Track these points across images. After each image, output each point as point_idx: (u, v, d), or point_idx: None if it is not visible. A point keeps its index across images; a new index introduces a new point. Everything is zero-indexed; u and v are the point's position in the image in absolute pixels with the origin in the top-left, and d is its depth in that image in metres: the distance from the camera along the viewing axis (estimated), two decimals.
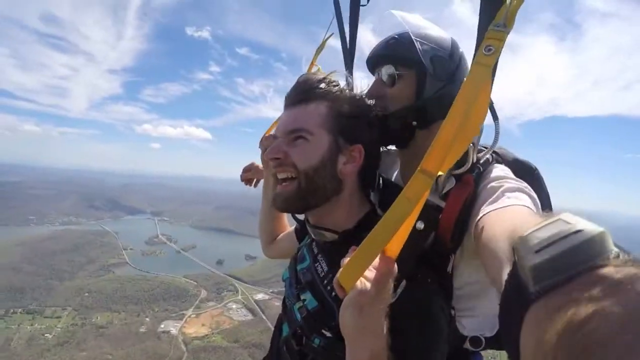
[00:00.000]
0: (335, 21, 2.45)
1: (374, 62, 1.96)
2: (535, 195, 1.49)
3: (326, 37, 2.67)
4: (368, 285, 1.15)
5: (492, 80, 1.22)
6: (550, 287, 0.54)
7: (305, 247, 2.00)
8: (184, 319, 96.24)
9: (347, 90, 1.78)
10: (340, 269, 1.17)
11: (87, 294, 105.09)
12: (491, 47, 1.10)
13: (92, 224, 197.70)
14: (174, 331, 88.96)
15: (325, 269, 1.75)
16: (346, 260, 1.20)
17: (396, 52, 1.88)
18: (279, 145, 1.71)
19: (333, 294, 1.57)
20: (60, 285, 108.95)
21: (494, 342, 1.87)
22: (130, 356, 77.77)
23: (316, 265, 1.81)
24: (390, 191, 1.85)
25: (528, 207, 1.33)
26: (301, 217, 2.15)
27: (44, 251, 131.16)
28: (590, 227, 0.57)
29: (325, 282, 1.70)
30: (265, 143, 2.34)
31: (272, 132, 2.37)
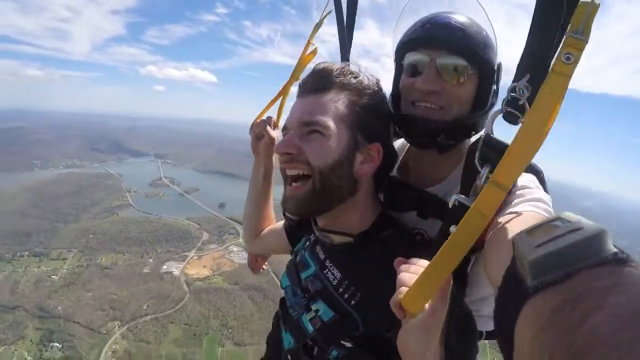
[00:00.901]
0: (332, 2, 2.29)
1: (435, 42, 1.66)
2: (550, 205, 1.40)
3: (324, 15, 2.43)
4: (438, 305, 1.09)
5: None
6: (549, 283, 0.54)
7: (306, 252, 1.91)
8: (186, 261, 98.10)
9: (368, 83, 1.67)
10: (405, 291, 1.10)
11: (91, 236, 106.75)
12: (570, 56, 1.02)
13: (95, 167, 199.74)
14: (176, 272, 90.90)
15: (338, 275, 1.66)
16: (404, 277, 1.15)
17: (476, 46, 1.63)
18: (291, 139, 1.59)
19: (352, 302, 1.56)
20: (65, 227, 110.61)
21: (492, 335, 1.82)
22: (134, 296, 79.72)
23: (325, 272, 1.72)
24: (396, 188, 1.81)
25: (540, 213, 1.28)
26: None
27: (49, 195, 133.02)
28: (590, 226, 0.57)
29: (341, 290, 1.62)
30: (257, 130, 2.26)
31: (264, 116, 2.33)
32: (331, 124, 1.55)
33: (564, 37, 1.05)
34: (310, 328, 1.64)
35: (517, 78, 1.30)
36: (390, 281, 1.27)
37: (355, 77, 1.64)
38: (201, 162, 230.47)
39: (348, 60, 2.15)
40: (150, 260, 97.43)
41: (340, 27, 2.23)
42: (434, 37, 1.66)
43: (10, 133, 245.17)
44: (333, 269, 1.69)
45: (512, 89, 1.28)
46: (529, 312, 0.56)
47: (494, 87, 1.71)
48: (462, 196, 1.37)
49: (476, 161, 1.34)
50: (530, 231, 0.64)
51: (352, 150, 1.58)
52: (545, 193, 1.47)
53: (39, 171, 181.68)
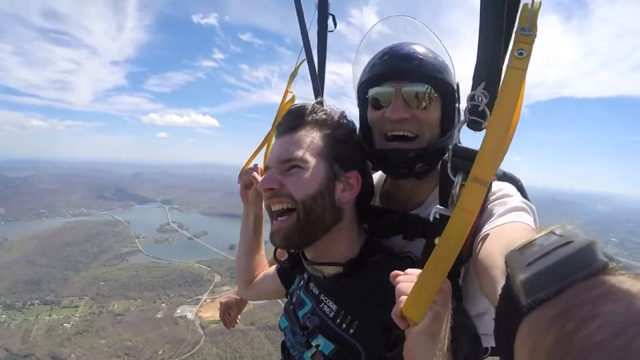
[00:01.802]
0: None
1: (397, 74, 1.74)
2: (534, 211, 1.49)
3: (298, 63, 2.60)
4: (440, 310, 1.10)
5: None
6: (542, 300, 0.54)
7: (301, 291, 1.93)
8: (200, 304, 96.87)
9: (338, 116, 1.75)
10: (404, 300, 1.11)
11: (102, 283, 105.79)
12: (522, 51, 1.08)
13: (103, 214, 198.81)
14: (190, 316, 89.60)
15: (334, 307, 1.68)
16: (402, 286, 1.16)
17: (432, 72, 1.72)
18: (272, 175, 1.65)
19: (351, 331, 1.58)
20: (76, 275, 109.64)
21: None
22: (149, 342, 78.45)
23: (321, 306, 1.74)
24: (379, 215, 1.86)
25: (525, 223, 1.32)
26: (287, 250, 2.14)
27: (58, 243, 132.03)
28: (580, 238, 0.58)
29: (338, 321, 1.63)
30: (245, 178, 2.25)
31: (251, 165, 2.32)
32: (309, 157, 1.62)
33: (514, 35, 1.11)
34: None
35: (474, 87, 1.37)
36: (385, 303, 1.31)
37: (326, 113, 1.73)
38: (208, 205, 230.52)
39: (322, 97, 2.30)
40: (163, 305, 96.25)
41: (312, 71, 2.39)
42: (395, 69, 1.74)
43: (17, 183, 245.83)
44: (328, 302, 1.72)
45: (471, 97, 1.35)
46: (525, 330, 0.56)
47: (457, 105, 1.79)
48: (442, 207, 1.45)
49: (449, 172, 1.42)
50: (521, 249, 0.65)
51: (331, 180, 1.64)
52: (526, 200, 1.54)
53: (46, 220, 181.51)
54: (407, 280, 1.18)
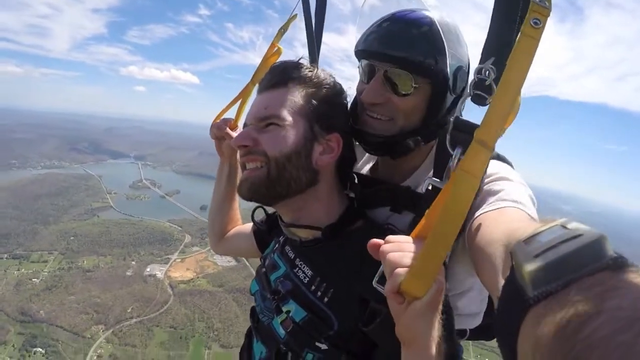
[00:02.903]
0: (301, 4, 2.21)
1: (381, 55, 1.65)
2: (532, 195, 1.44)
3: (290, 17, 2.33)
4: (443, 280, 1.07)
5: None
6: (549, 292, 0.54)
7: (276, 254, 1.87)
8: (169, 263, 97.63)
9: (324, 76, 1.68)
10: (403, 272, 1.03)
11: (72, 238, 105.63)
12: (538, 21, 1.05)
13: (75, 168, 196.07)
14: (159, 275, 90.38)
15: (309, 273, 1.62)
16: (396, 257, 1.08)
17: (421, 58, 1.58)
18: (248, 132, 1.60)
19: (325, 299, 1.52)
20: (45, 229, 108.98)
21: (477, 334, 1.90)
22: (118, 299, 79.09)
23: (296, 270, 1.67)
24: (366, 184, 1.79)
25: (524, 210, 1.28)
26: (267, 212, 2.08)
27: (28, 195, 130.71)
28: (589, 232, 0.57)
29: (313, 287, 1.57)
30: (216, 131, 2.21)
31: (223, 117, 2.29)
32: (287, 115, 1.55)
33: (530, 3, 1.08)
34: (282, 332, 1.59)
35: (482, 60, 1.31)
36: (363, 273, 1.30)
37: (311, 71, 1.65)
38: (182, 164, 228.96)
39: (316, 62, 2.12)
40: (133, 262, 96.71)
41: (308, 29, 2.17)
42: (379, 51, 1.65)
43: None
44: (304, 267, 1.65)
45: (478, 71, 1.28)
46: (530, 322, 0.55)
47: (450, 94, 1.66)
48: (436, 179, 1.33)
49: (447, 144, 1.31)
50: (528, 240, 0.64)
51: (309, 141, 1.57)
52: (525, 186, 1.48)
53: (17, 171, 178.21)
54: (396, 249, 1.10)
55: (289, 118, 1.55)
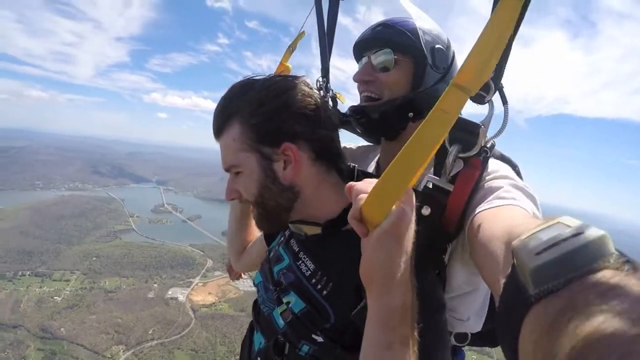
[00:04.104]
0: (310, 19, 2.28)
1: (367, 45, 1.88)
2: (535, 195, 1.43)
3: (299, 34, 2.41)
4: (407, 208, 1.03)
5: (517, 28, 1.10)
6: (551, 290, 0.54)
7: (281, 246, 1.84)
8: (191, 287, 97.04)
9: (260, 86, 1.57)
10: (363, 198, 1.05)
11: (95, 259, 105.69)
12: None
13: (97, 191, 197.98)
14: (181, 298, 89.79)
15: (312, 267, 1.60)
16: (361, 186, 1.10)
17: (397, 37, 1.80)
18: (229, 186, 1.66)
19: (324, 292, 1.51)
20: (68, 249, 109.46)
21: (478, 339, 1.85)
22: (139, 320, 78.61)
23: (299, 263, 1.66)
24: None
25: (525, 208, 1.28)
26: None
27: (51, 215, 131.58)
28: (590, 230, 0.57)
29: (314, 281, 1.56)
30: None
31: None
32: (238, 159, 1.55)
33: None
34: (281, 322, 1.60)
35: None
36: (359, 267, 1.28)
37: (239, 100, 1.57)
38: (203, 189, 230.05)
39: (328, 75, 2.22)
40: (155, 285, 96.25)
41: (322, 43, 2.23)
42: (362, 40, 1.90)
43: (12, 152, 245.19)
44: (307, 260, 1.64)
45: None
46: (532, 320, 0.55)
47: (432, 70, 1.80)
48: (435, 177, 1.41)
49: (446, 142, 1.38)
50: (530, 237, 0.63)
51: (267, 167, 1.54)
52: (526, 186, 1.49)
53: (40, 192, 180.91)
54: (366, 182, 1.13)
55: (241, 161, 1.55)
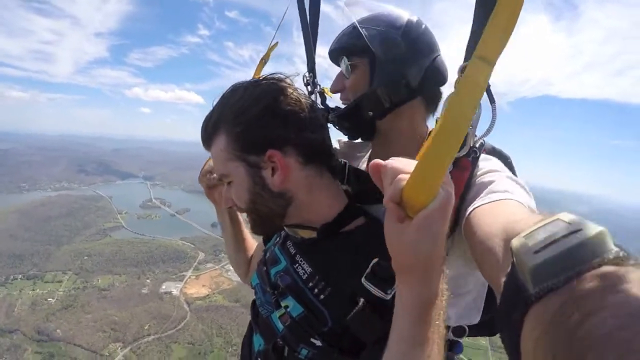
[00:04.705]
0: (291, 9, 2.23)
1: (331, 57, 1.96)
2: (527, 189, 1.43)
3: (271, 46, 2.38)
4: (450, 189, 0.96)
5: None
6: (550, 288, 0.54)
7: (277, 248, 1.85)
8: (184, 280, 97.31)
9: (240, 94, 1.57)
10: (405, 179, 0.95)
11: (86, 258, 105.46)
12: None
13: (84, 189, 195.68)
14: (175, 292, 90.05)
15: (309, 270, 1.60)
16: (399, 164, 1.00)
17: (345, 42, 1.85)
18: (225, 195, 1.68)
19: (322, 297, 1.50)
20: (58, 250, 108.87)
21: (476, 330, 1.89)
22: (135, 317, 78.74)
23: (295, 266, 1.66)
24: (365, 179, 1.61)
25: (519, 201, 1.26)
26: None
27: (39, 217, 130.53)
28: (589, 227, 0.57)
29: (311, 284, 1.55)
30: (204, 179, 2.31)
31: (209, 164, 2.30)
32: (227, 169, 1.57)
33: None
34: (280, 326, 1.60)
35: (467, 58, 1.29)
36: (357, 271, 1.30)
37: (228, 101, 1.58)
38: (190, 182, 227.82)
39: (314, 70, 2.15)
40: (148, 280, 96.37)
41: (307, 44, 2.15)
42: (329, 52, 1.96)
43: None
44: (303, 264, 1.63)
45: (462, 69, 1.22)
46: (532, 319, 0.55)
47: (382, 63, 1.76)
48: None
49: None
50: (528, 235, 0.62)
51: (256, 175, 1.54)
52: (518, 178, 1.49)
53: (27, 194, 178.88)
54: (399, 161, 1.02)
55: (230, 170, 1.57)
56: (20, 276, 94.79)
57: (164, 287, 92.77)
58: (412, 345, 1.07)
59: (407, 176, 0.95)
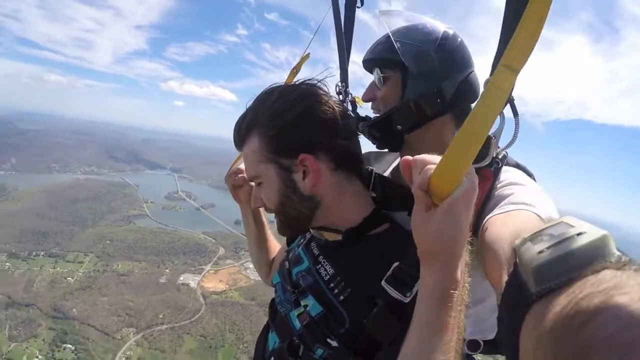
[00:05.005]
0: (329, 17, 2.29)
1: (365, 67, 1.97)
2: (547, 197, 1.44)
3: (303, 56, 2.42)
4: (474, 179, 1.03)
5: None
6: (552, 289, 0.54)
7: (300, 248, 1.84)
8: (203, 274, 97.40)
9: (277, 97, 1.58)
10: (432, 168, 1.03)
11: (108, 242, 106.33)
12: None
13: (113, 175, 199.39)
14: (192, 284, 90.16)
15: (331, 271, 1.60)
16: (426, 157, 1.08)
17: (379, 54, 1.87)
18: (255, 195, 1.73)
19: (341, 297, 1.51)
20: (82, 232, 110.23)
21: (491, 346, 1.85)
22: (150, 304, 79.06)
23: (318, 267, 1.65)
24: (390, 187, 1.74)
25: (537, 213, 1.27)
26: None
27: (67, 198, 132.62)
28: (593, 230, 0.58)
29: (332, 285, 1.55)
30: (230, 179, 2.25)
31: (237, 166, 2.26)
32: (259, 170, 1.59)
33: None
34: (297, 325, 1.60)
35: (492, 73, 1.22)
36: (378, 274, 1.33)
37: (263, 104, 1.60)
38: (217, 178, 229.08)
39: (347, 79, 2.26)
40: (167, 270, 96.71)
41: (340, 55, 2.28)
42: (363, 62, 1.97)
43: (30, 135, 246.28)
44: (326, 265, 1.64)
45: (487, 82, 1.19)
46: (533, 318, 0.56)
47: (413, 78, 1.78)
48: None
49: None
50: (532, 237, 0.64)
51: (287, 178, 1.56)
52: (539, 188, 1.51)
53: (57, 174, 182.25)
54: (428, 155, 1.10)
55: (261, 172, 1.59)
56: (42, 253, 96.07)
57: (182, 278, 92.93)
58: (432, 331, 1.09)
59: (434, 166, 1.03)
